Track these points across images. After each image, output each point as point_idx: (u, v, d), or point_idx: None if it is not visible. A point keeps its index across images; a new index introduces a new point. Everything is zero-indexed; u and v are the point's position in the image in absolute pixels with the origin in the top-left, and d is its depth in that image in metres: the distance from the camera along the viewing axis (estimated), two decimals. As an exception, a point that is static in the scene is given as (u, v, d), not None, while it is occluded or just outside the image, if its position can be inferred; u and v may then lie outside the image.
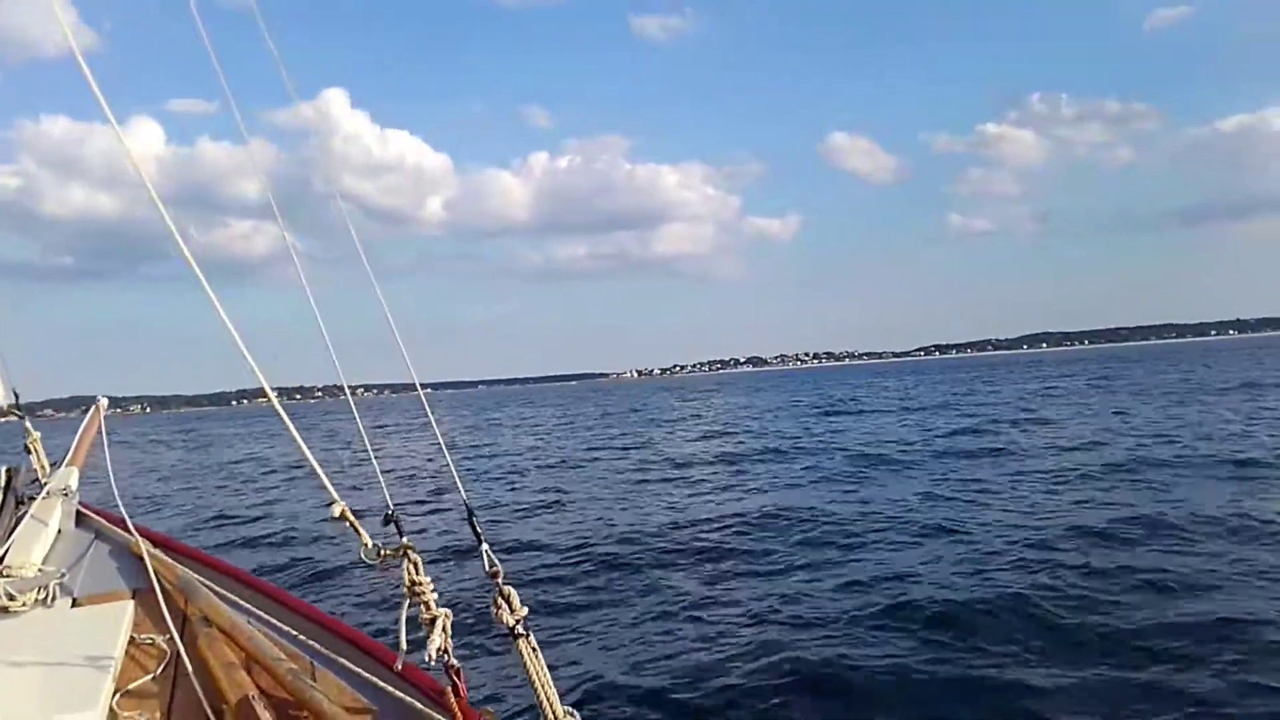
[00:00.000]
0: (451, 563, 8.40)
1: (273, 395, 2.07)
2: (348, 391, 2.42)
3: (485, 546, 2.03)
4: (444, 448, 2.48)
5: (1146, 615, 5.73)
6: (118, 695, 2.18)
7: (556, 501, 12.83)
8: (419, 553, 2.10)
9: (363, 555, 2.07)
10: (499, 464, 19.69)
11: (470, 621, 5.98)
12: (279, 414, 2.09)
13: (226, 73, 2.29)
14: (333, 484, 2.08)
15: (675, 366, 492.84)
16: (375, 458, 2.44)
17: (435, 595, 2.08)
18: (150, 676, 2.33)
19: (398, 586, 2.11)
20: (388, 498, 2.15)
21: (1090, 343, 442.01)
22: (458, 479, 2.22)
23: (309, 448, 2.06)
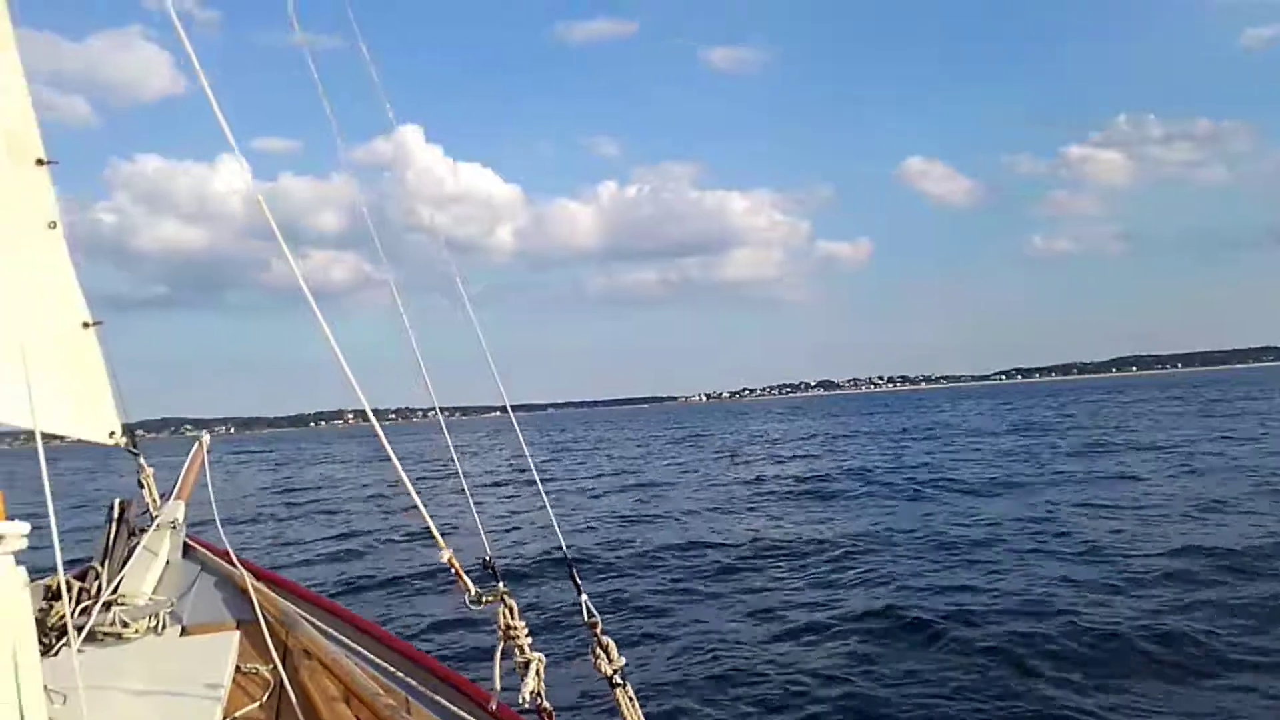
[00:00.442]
0: (542, 600, 8.30)
1: (376, 424, 2.14)
2: (440, 416, 2.48)
3: (584, 598, 2.06)
4: (542, 492, 2.51)
5: None
6: None
7: (635, 522, 12.87)
8: (514, 597, 2.15)
9: (466, 599, 2.13)
10: (570, 485, 19.80)
11: (563, 666, 5.89)
12: (386, 449, 2.14)
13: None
14: (417, 500, 2.15)
15: (744, 390, 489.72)
16: (470, 493, 2.49)
17: (529, 639, 2.12)
18: (256, 704, 2.41)
19: (485, 624, 2.15)
20: (486, 545, 2.20)
21: (1183, 366, 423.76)
22: (556, 524, 2.25)
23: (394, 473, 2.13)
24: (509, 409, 2.46)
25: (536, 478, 2.46)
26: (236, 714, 2.34)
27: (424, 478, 23.84)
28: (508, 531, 13.00)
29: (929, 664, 5.80)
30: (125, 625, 2.85)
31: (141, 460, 3.61)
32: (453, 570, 2.14)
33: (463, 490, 2.39)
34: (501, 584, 2.14)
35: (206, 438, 4.07)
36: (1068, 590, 7.39)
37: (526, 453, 2.53)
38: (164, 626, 2.93)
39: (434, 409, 2.44)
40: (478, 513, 2.61)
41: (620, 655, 2.03)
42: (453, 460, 2.46)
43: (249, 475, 32.82)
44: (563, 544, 2.27)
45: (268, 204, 1.94)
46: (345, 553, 12.18)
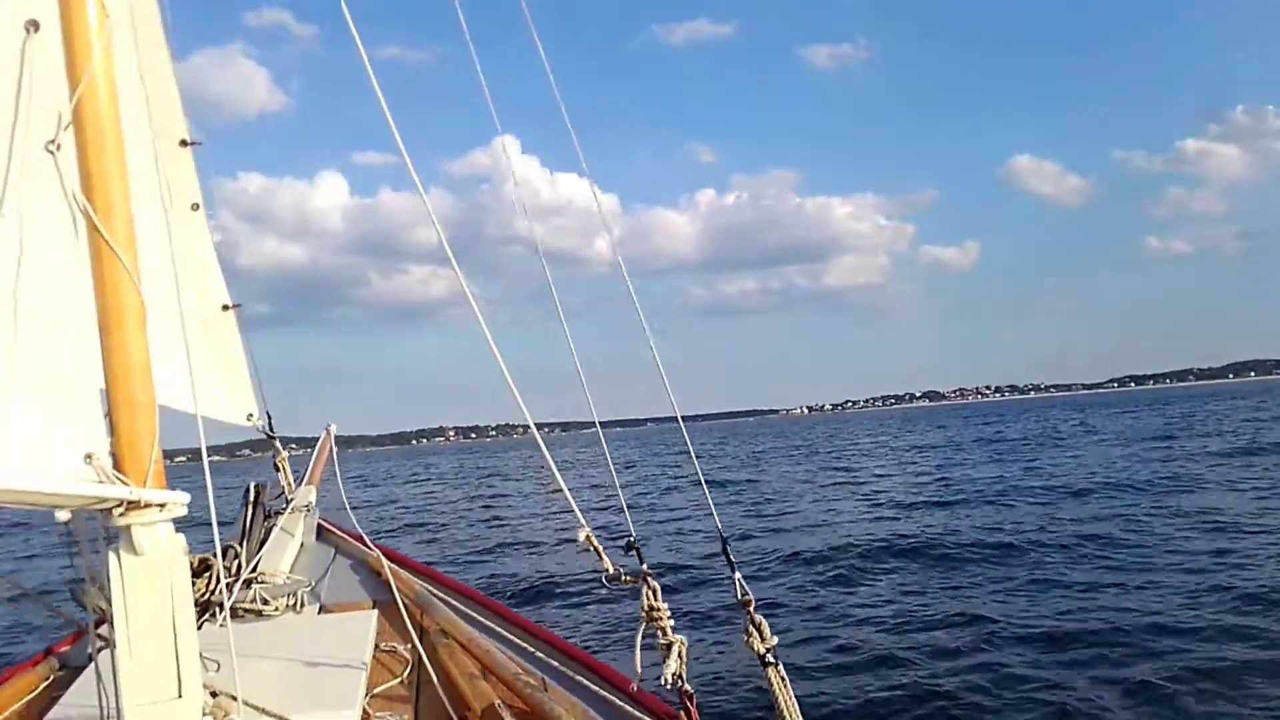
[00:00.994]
0: (682, 587, 8.22)
1: (534, 428, 2.15)
2: (599, 427, 2.48)
3: (738, 575, 2.02)
4: (702, 479, 2.46)
5: None
6: (368, 697, 2.28)
7: (756, 530, 12.65)
8: (657, 579, 2.11)
9: (604, 580, 2.10)
10: (682, 498, 19.65)
11: (705, 650, 5.74)
12: (539, 444, 2.16)
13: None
14: (560, 481, 2.13)
15: (846, 402, 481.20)
16: (619, 485, 2.47)
17: (671, 622, 2.08)
18: (398, 680, 2.44)
19: (625, 609, 2.12)
20: (630, 525, 2.17)
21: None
22: (712, 505, 2.20)
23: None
24: (679, 419, 2.43)
25: (698, 469, 2.41)
26: (378, 689, 2.36)
27: (536, 493, 24.06)
28: (645, 529, 12.97)
29: (1064, 674, 5.44)
30: (265, 602, 2.93)
31: (278, 444, 3.72)
32: (592, 549, 2.11)
33: (617, 491, 2.37)
34: (645, 565, 2.10)
35: (333, 426, 4.17)
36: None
37: (694, 457, 2.50)
38: (303, 605, 3.00)
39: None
40: (609, 502, 2.58)
41: (772, 635, 1.95)
42: (608, 467, 2.48)
43: (354, 490, 33.90)
44: (717, 521, 2.23)
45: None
46: (483, 547, 12.36)
